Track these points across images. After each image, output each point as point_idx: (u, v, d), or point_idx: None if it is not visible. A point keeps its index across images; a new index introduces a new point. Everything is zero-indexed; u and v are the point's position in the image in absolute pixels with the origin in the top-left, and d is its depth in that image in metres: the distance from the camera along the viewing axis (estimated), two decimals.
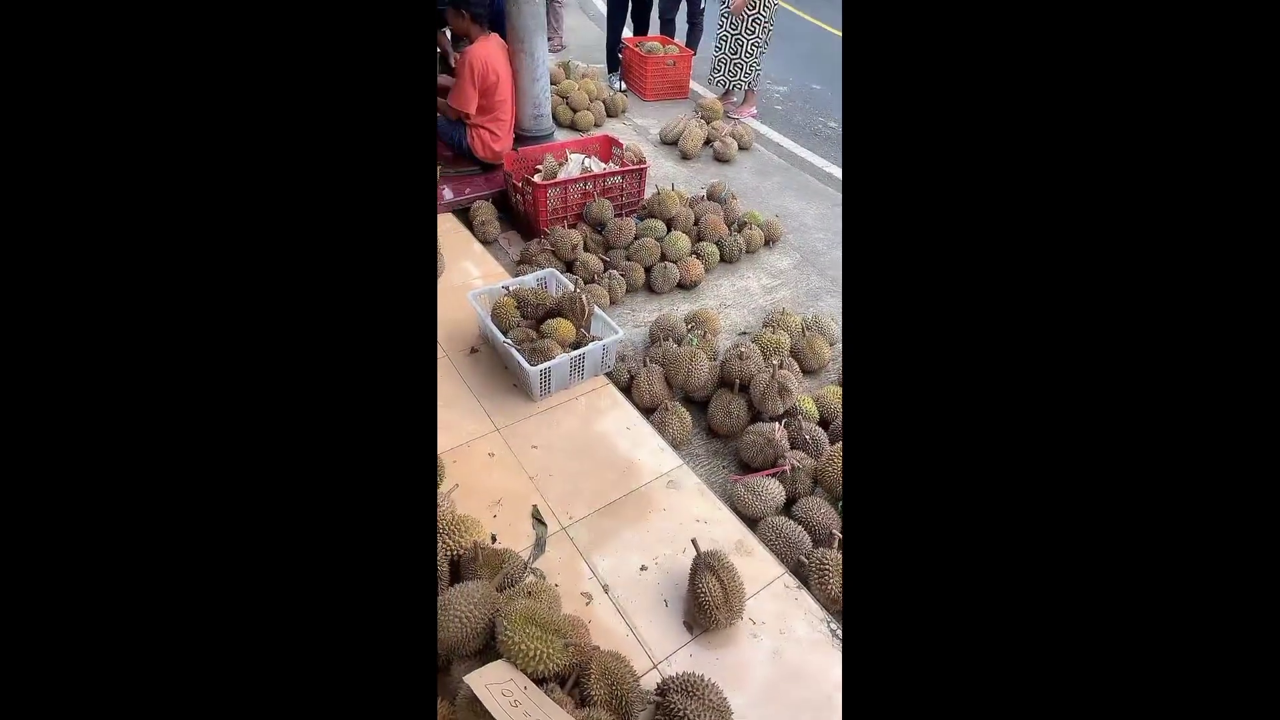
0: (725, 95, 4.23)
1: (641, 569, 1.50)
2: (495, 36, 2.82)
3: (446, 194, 2.87)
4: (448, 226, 2.73)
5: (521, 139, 3.05)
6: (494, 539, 1.50)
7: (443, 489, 1.60)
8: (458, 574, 1.36)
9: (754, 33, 3.89)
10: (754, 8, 3.80)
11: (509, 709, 0.94)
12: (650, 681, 1.26)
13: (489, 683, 0.99)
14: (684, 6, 4.50)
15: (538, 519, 1.57)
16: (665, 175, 3.43)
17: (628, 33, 4.54)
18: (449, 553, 1.35)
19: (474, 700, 0.98)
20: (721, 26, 4.00)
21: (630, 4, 4.35)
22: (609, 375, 2.06)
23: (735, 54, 4.01)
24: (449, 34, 3.80)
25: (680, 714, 1.13)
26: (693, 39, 4.60)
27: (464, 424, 1.83)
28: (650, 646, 1.35)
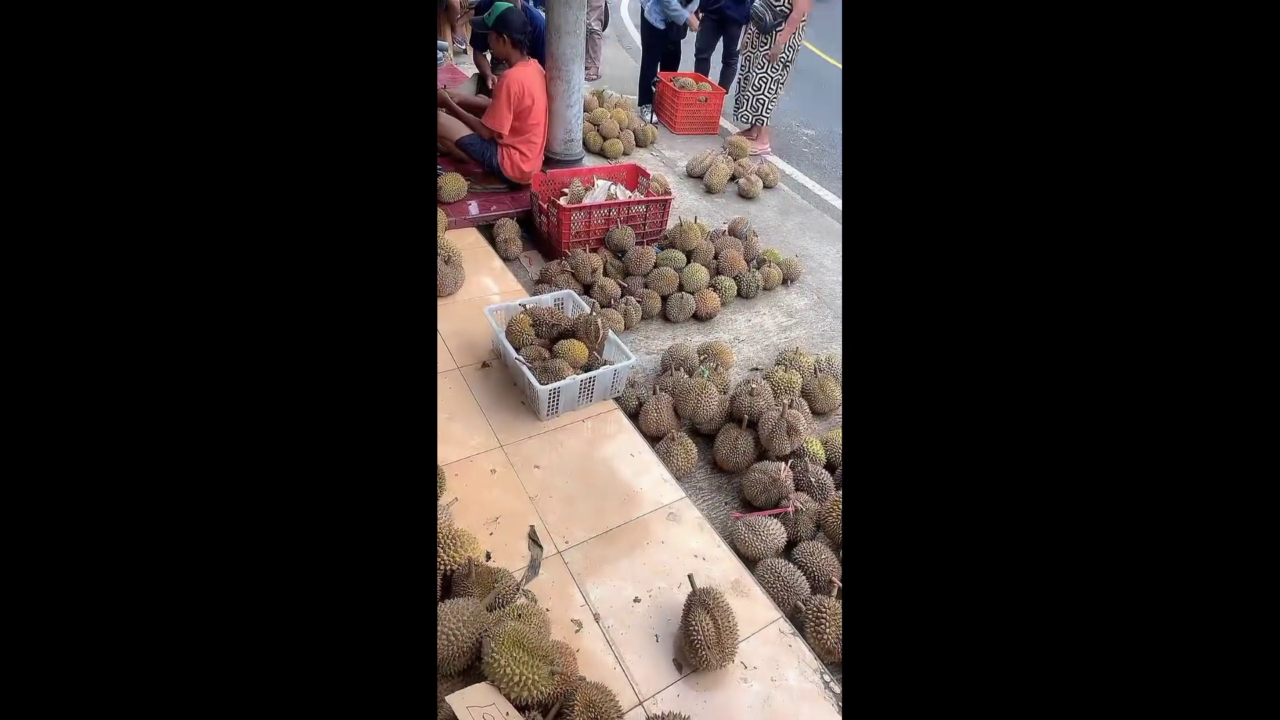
0: (747, 131, 4.31)
1: (635, 601, 1.47)
2: (534, 62, 2.90)
3: (472, 209, 2.92)
4: (470, 240, 2.78)
5: (551, 162, 3.11)
6: (489, 556, 1.48)
7: (442, 501, 1.59)
8: (450, 589, 1.35)
9: (768, 68, 3.99)
10: (789, 55, 3.90)
11: None
12: (635, 719, 1.23)
13: (470, 705, 0.97)
14: (720, 45, 4.61)
15: (534, 540, 1.56)
16: (689, 208, 3.47)
17: (662, 67, 4.65)
18: (443, 567, 1.34)
19: None
20: (746, 64, 4.10)
21: (664, 39, 4.46)
22: (618, 400, 2.06)
23: (758, 89, 4.12)
24: (489, 56, 3.93)
25: None
26: (726, 78, 4.71)
27: (469, 438, 1.83)
28: (637, 682, 1.31)
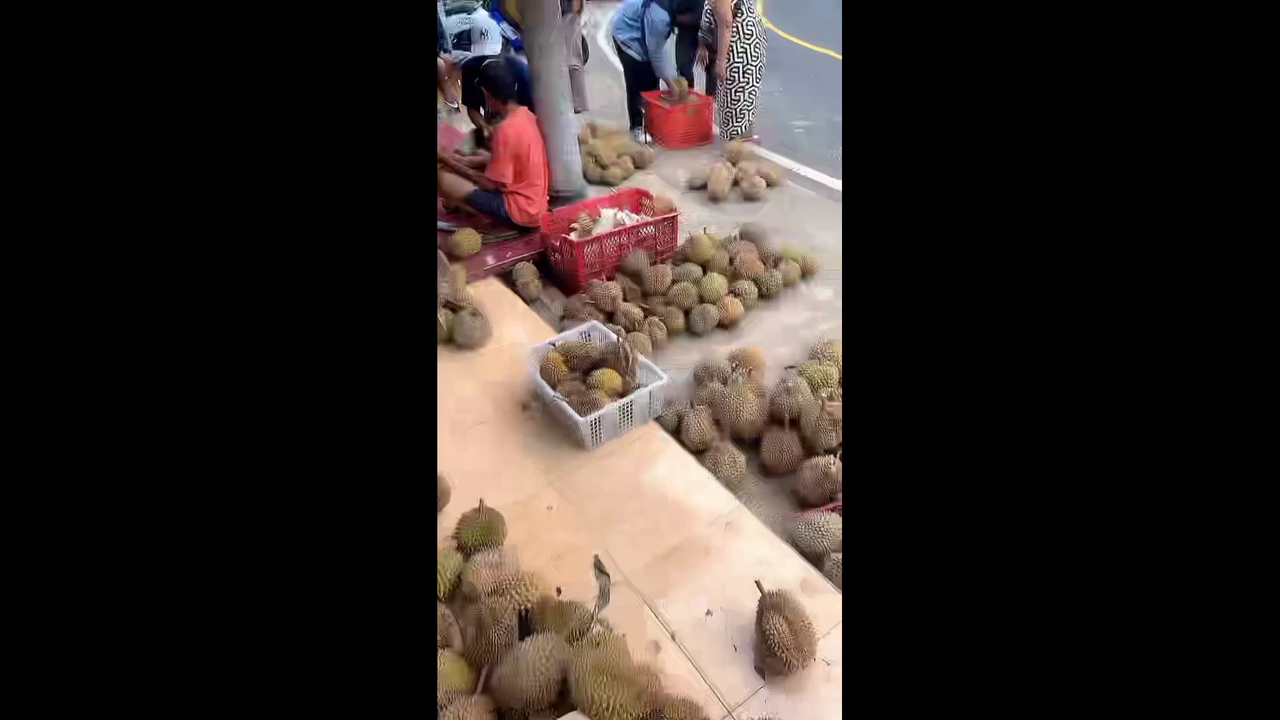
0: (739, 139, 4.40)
1: (707, 614, 1.49)
2: (523, 110, 3.01)
3: (489, 260, 3.02)
4: (492, 290, 2.87)
5: (555, 200, 3.21)
6: (559, 591, 1.52)
7: (505, 544, 1.64)
8: (526, 628, 1.39)
9: (741, 76, 4.08)
10: (732, 61, 4.00)
11: None
12: None
13: None
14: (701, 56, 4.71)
15: (600, 569, 1.59)
16: (697, 220, 3.52)
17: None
18: (517, 607, 1.38)
19: None
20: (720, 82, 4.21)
21: (643, 66, 4.56)
22: (658, 420, 2.10)
23: (731, 101, 4.20)
24: (482, 110, 4.08)
25: None
26: (712, 85, 4.79)
27: (522, 480, 1.88)
28: (723, 693, 1.33)
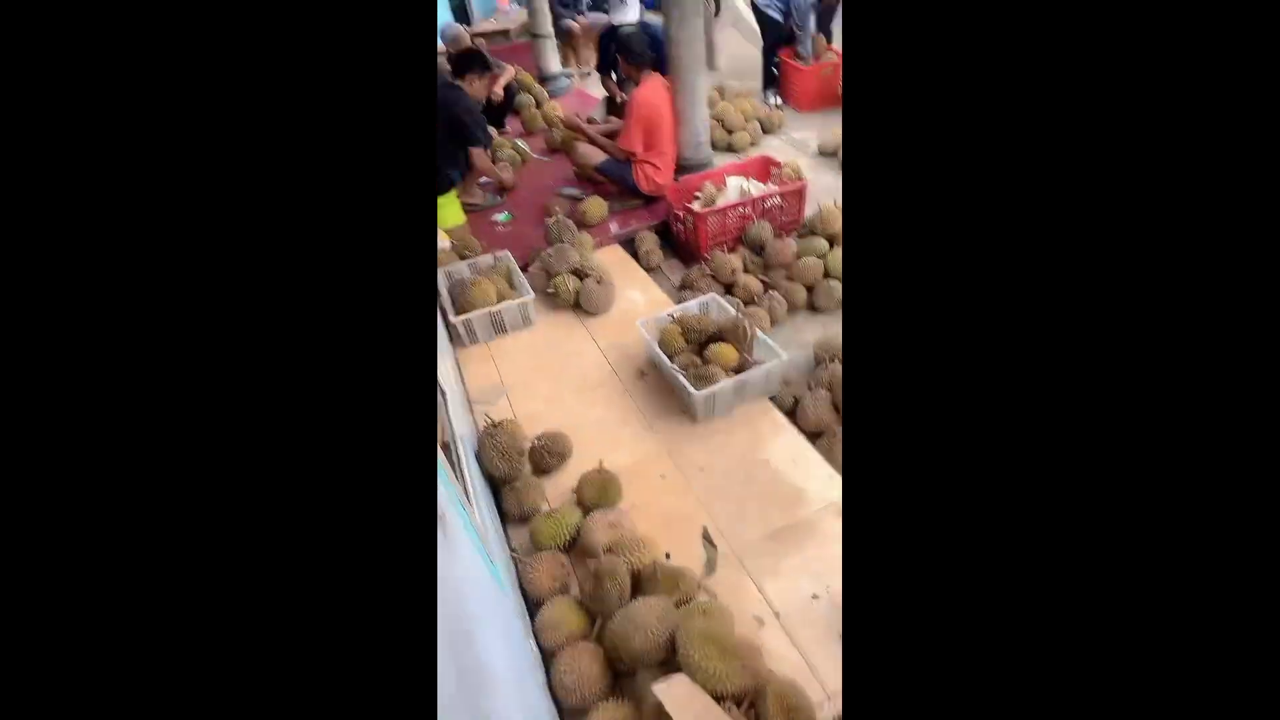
0: None
1: (813, 597, 1.50)
2: (657, 76, 3.00)
3: (613, 227, 3.10)
4: (615, 257, 2.95)
5: (682, 169, 3.20)
6: (668, 556, 1.60)
7: (621, 505, 1.74)
8: (638, 588, 1.48)
9: None
10: None
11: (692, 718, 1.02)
12: (826, 714, 1.26)
13: (675, 695, 1.08)
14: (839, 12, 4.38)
15: (708, 540, 1.65)
16: (826, 188, 3.36)
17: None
18: (631, 567, 1.48)
19: (661, 709, 1.07)
20: None
21: (782, 19, 4.32)
22: (773, 399, 2.09)
23: None
24: (615, 76, 4.11)
25: None
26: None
27: (637, 444, 1.97)
28: (823, 677, 1.35)
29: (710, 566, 1.60)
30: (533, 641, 1.42)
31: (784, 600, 1.50)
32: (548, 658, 1.39)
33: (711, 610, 1.34)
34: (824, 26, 4.41)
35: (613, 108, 3.92)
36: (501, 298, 2.53)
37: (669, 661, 1.27)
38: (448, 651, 0.70)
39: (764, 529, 1.68)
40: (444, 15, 6.92)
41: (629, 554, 1.49)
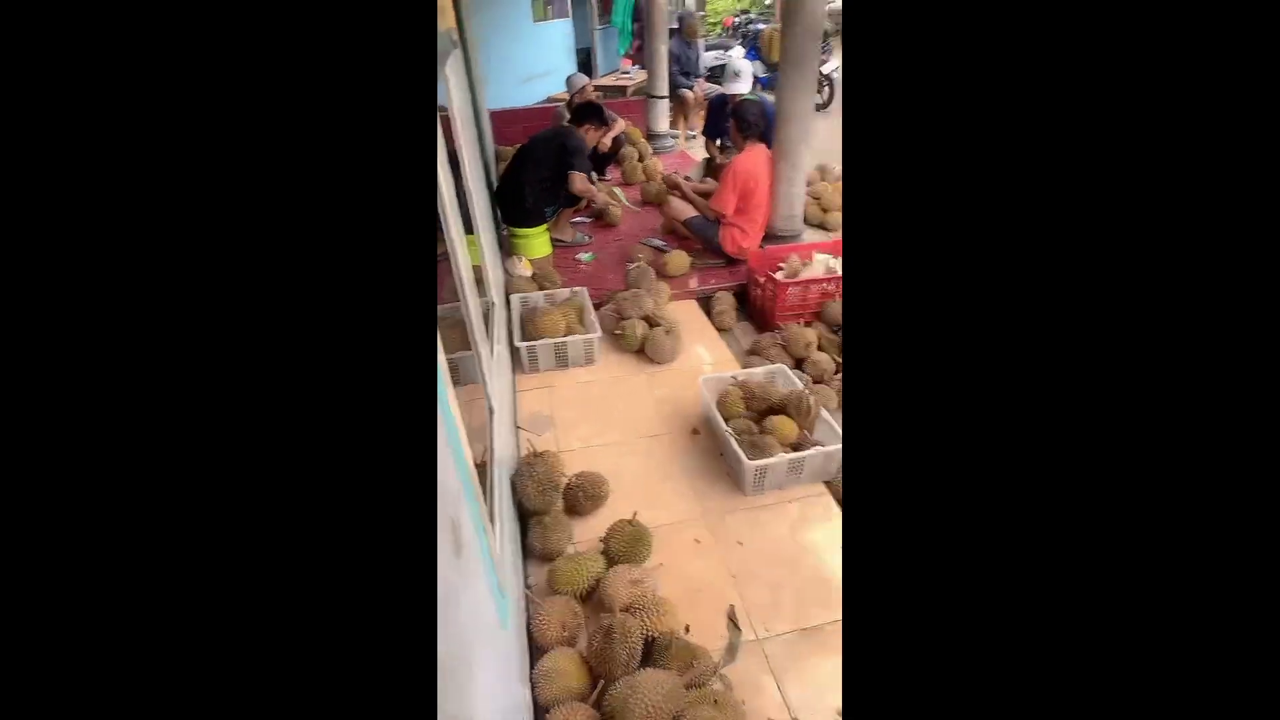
0: None
1: (838, 713, 1.34)
2: (762, 147, 3.05)
3: (693, 283, 3.10)
4: (689, 313, 2.94)
5: (771, 238, 3.19)
6: (687, 629, 1.48)
7: (649, 565, 1.65)
8: (649, 656, 1.37)
9: None
10: None
11: None
12: None
13: None
14: None
15: (733, 623, 1.53)
16: None
17: None
18: (646, 632, 1.38)
19: None
20: None
21: None
22: (828, 485, 1.96)
23: None
24: (719, 142, 4.22)
25: None
26: None
27: (677, 503, 1.88)
28: None
29: (732, 653, 1.46)
30: (528, 689, 1.33)
31: (806, 708, 1.35)
32: (540, 710, 1.29)
33: (724, 703, 1.21)
34: None
35: (710, 170, 4.01)
36: (570, 331, 2.55)
37: None
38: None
39: (797, 623, 1.53)
40: (571, 66, 7.44)
41: (646, 617, 1.39)
